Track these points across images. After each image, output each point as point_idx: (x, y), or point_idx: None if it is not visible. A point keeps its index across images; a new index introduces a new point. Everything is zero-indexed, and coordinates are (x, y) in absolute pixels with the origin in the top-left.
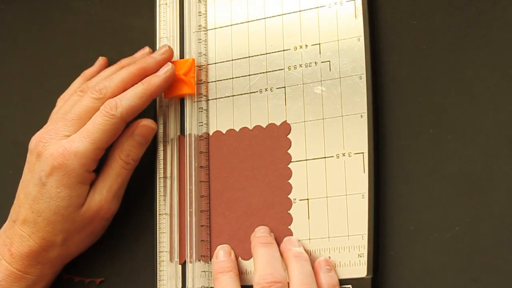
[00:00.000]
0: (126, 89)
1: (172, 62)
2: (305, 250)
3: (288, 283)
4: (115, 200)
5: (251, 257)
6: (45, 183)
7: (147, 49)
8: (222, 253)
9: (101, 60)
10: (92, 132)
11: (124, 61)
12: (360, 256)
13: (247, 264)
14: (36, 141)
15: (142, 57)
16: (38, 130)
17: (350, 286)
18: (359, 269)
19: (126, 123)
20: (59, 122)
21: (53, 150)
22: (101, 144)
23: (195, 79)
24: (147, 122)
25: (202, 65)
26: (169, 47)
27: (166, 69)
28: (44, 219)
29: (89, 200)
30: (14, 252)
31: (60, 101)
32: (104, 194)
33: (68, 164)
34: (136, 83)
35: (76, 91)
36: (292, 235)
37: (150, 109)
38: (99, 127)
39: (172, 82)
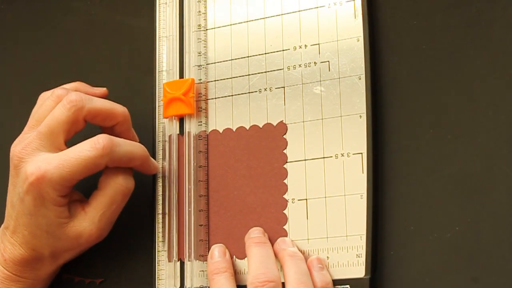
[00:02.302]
0: (99, 118)
1: (171, 82)
2: (304, 250)
3: (284, 282)
4: (107, 227)
5: (245, 257)
6: (24, 201)
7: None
8: (217, 253)
9: (102, 89)
10: (74, 164)
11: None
12: (359, 257)
13: (242, 264)
14: (13, 153)
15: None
16: None
17: (348, 286)
18: (357, 269)
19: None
20: (33, 133)
21: (29, 169)
22: (77, 176)
23: (194, 99)
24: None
25: (201, 94)
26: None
27: (157, 168)
28: (30, 233)
29: (78, 227)
30: (7, 258)
31: (40, 100)
32: (96, 223)
33: (42, 188)
34: (107, 123)
35: (52, 95)
36: (286, 235)
37: (149, 108)
38: (82, 162)
39: (171, 102)
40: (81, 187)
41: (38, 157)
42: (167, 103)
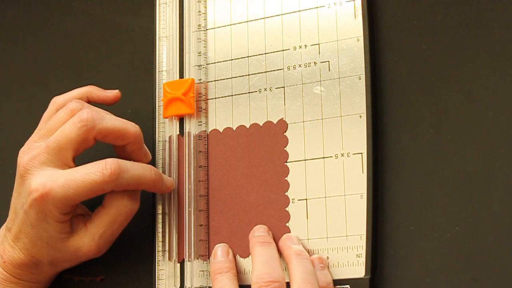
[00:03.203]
0: (110, 138)
1: (171, 82)
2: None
3: (288, 282)
4: (106, 244)
5: (248, 255)
6: (28, 213)
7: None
8: (220, 252)
9: (114, 92)
10: (79, 185)
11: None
12: (358, 257)
13: (244, 263)
14: (20, 161)
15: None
16: None
17: (348, 286)
18: (357, 269)
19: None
20: (42, 144)
21: (33, 185)
22: (81, 198)
23: (195, 99)
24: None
25: (201, 94)
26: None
27: (171, 185)
28: (30, 241)
29: (78, 242)
30: (6, 260)
31: (52, 106)
32: (96, 241)
33: (45, 205)
34: (118, 142)
35: (66, 107)
36: (289, 232)
37: (149, 108)
38: (88, 186)
39: (171, 102)
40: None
41: (44, 172)
42: (167, 103)
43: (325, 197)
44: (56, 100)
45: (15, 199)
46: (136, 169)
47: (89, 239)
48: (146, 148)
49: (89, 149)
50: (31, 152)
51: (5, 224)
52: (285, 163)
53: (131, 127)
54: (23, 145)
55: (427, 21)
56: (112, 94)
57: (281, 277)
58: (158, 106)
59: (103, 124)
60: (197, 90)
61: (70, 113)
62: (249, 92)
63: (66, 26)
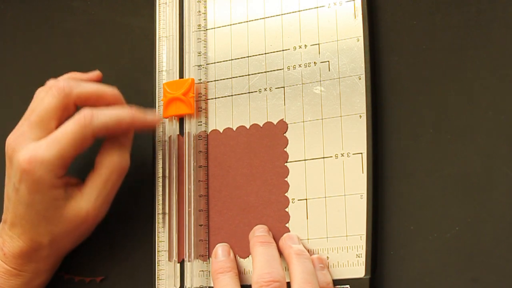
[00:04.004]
0: (90, 101)
1: (171, 82)
2: None
3: (289, 282)
4: (104, 206)
5: (248, 255)
6: (18, 189)
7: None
8: (221, 252)
9: (96, 73)
10: (61, 141)
11: (95, 74)
12: (358, 257)
13: (244, 263)
14: (7, 144)
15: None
16: None
17: (348, 286)
18: (357, 269)
19: (95, 139)
20: (24, 123)
21: (20, 156)
22: (68, 154)
23: (195, 99)
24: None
25: (201, 94)
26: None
27: (155, 115)
28: (27, 222)
29: (75, 207)
30: (6, 252)
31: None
32: (92, 203)
33: (35, 172)
34: (99, 105)
35: (44, 86)
36: (289, 233)
37: (149, 107)
38: (68, 136)
39: (171, 102)
40: (79, 173)
41: (29, 145)
42: (167, 103)
43: (325, 197)
44: (39, 91)
45: (6, 186)
46: (111, 110)
47: (86, 203)
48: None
49: (86, 151)
50: (16, 133)
51: (1, 220)
52: (285, 164)
53: (107, 88)
54: None
55: (427, 21)
56: (94, 74)
57: (282, 277)
58: (158, 106)
59: (79, 88)
60: (197, 90)
61: (47, 89)
62: (249, 92)
63: (66, 26)
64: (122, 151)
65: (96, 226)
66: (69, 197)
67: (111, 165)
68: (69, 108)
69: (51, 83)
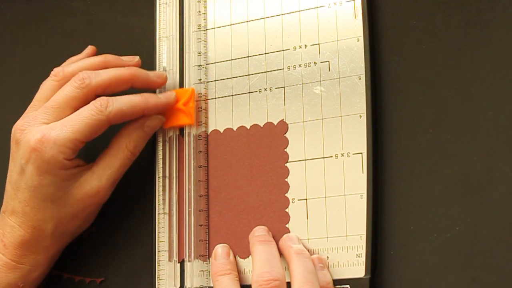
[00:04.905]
0: (110, 88)
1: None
2: None
3: (289, 282)
4: (111, 188)
5: (248, 256)
6: (25, 171)
7: (137, 58)
8: (220, 253)
9: (89, 49)
10: (75, 123)
11: (110, 58)
12: (358, 256)
13: (244, 263)
14: (15, 128)
15: (131, 63)
16: None
17: (348, 286)
18: (357, 269)
19: (109, 125)
20: (38, 109)
21: (31, 136)
22: (81, 137)
23: (195, 109)
24: (159, 115)
25: (201, 94)
26: (166, 75)
27: (169, 96)
28: (32, 208)
29: (86, 185)
30: (6, 243)
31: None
32: (103, 182)
33: (46, 151)
34: (122, 88)
35: (50, 75)
36: (289, 233)
37: None
38: (84, 120)
39: (172, 112)
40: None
41: (41, 126)
42: (167, 113)
43: (325, 197)
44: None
45: (10, 171)
46: (125, 96)
47: (97, 181)
48: (156, 72)
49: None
50: (27, 117)
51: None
52: (285, 164)
53: (124, 70)
54: None
55: (427, 21)
56: (133, 61)
57: (281, 275)
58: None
59: (98, 78)
60: (197, 90)
61: (55, 78)
62: (249, 92)
63: (66, 26)
64: (141, 138)
65: (98, 211)
66: (78, 178)
67: (127, 150)
68: (89, 99)
69: (56, 70)
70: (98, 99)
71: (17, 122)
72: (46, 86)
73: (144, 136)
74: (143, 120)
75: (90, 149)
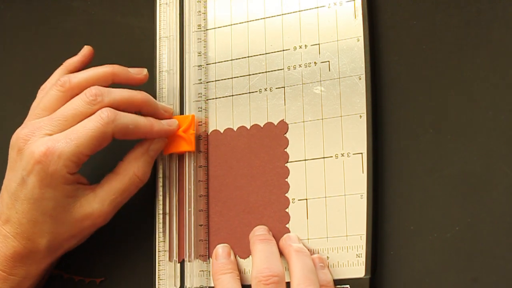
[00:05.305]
0: (119, 109)
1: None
2: None
3: (289, 282)
4: (113, 212)
5: (248, 256)
6: (27, 183)
7: (145, 71)
8: (221, 253)
9: (85, 50)
10: (80, 136)
11: (118, 69)
12: (358, 256)
13: (244, 263)
14: (17, 136)
15: (139, 77)
16: None
17: (348, 286)
18: (357, 269)
19: (111, 140)
20: (43, 119)
21: (35, 148)
22: (86, 150)
23: (195, 136)
24: (163, 139)
25: (201, 122)
26: (172, 111)
27: (172, 123)
28: (29, 220)
29: (87, 206)
30: None
31: (41, 93)
32: (105, 206)
33: (50, 165)
34: (130, 111)
35: (56, 84)
36: (289, 233)
37: None
38: (89, 133)
39: (172, 138)
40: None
41: (45, 138)
42: (168, 139)
43: (325, 197)
44: (44, 88)
45: (8, 179)
46: (132, 115)
47: (99, 205)
48: (164, 105)
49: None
50: (30, 126)
51: None
52: (285, 164)
53: (137, 94)
54: None
55: (427, 21)
56: (140, 75)
57: (281, 272)
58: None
59: (111, 96)
60: (197, 90)
61: (61, 88)
62: (249, 92)
63: (66, 26)
64: (148, 163)
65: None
66: (79, 196)
67: (135, 176)
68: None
69: (63, 80)
70: (105, 109)
71: (19, 130)
72: (51, 95)
73: (151, 161)
74: (148, 144)
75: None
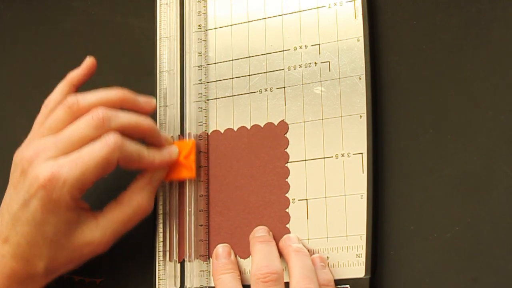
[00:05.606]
0: (124, 134)
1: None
2: None
3: (289, 282)
4: (114, 240)
5: (248, 256)
6: (29, 206)
7: (154, 102)
8: (221, 253)
9: (88, 62)
10: (86, 161)
11: (127, 96)
12: (358, 257)
13: (245, 263)
14: (22, 156)
15: (148, 108)
16: None
17: (348, 286)
18: (357, 269)
19: (115, 167)
20: (48, 139)
21: (39, 172)
22: (92, 177)
23: (195, 163)
24: (164, 169)
25: (201, 152)
26: (176, 152)
27: (173, 153)
28: (28, 243)
29: (88, 234)
30: None
31: (45, 109)
32: (107, 236)
33: (55, 191)
34: (134, 137)
35: (64, 105)
36: (289, 233)
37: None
38: (95, 159)
39: (173, 165)
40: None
41: (50, 162)
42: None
43: (325, 197)
44: (48, 103)
45: (10, 199)
46: (137, 145)
47: (100, 234)
48: (166, 135)
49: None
50: (36, 147)
51: None
52: (286, 165)
53: (143, 121)
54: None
55: (427, 21)
56: (150, 105)
57: (279, 269)
58: (159, 106)
59: (118, 121)
60: (198, 90)
61: (68, 110)
62: (249, 93)
63: (66, 26)
64: (152, 193)
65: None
66: (81, 223)
67: (139, 207)
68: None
69: (71, 101)
70: (111, 135)
71: (24, 150)
72: (58, 116)
73: (154, 191)
74: (151, 173)
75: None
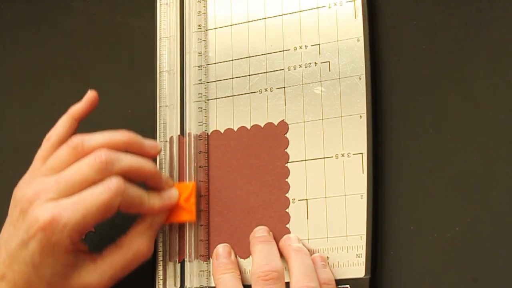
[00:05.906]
0: (127, 177)
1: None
2: None
3: (289, 282)
4: (113, 284)
5: (248, 256)
6: (27, 246)
7: (159, 148)
8: (222, 253)
9: (90, 95)
10: (87, 205)
11: (133, 140)
12: (358, 257)
13: (245, 263)
14: (22, 194)
15: (153, 152)
16: (38, 130)
17: (348, 286)
18: (357, 269)
19: (116, 211)
20: (49, 179)
21: (39, 213)
22: (92, 221)
23: (195, 206)
24: (165, 213)
25: (202, 195)
26: (173, 183)
27: (173, 197)
28: (25, 282)
29: (86, 277)
30: None
31: (46, 143)
32: (105, 280)
33: (54, 234)
34: (136, 181)
35: (68, 145)
36: (290, 233)
37: (150, 108)
38: (96, 204)
39: (173, 208)
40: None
41: (50, 204)
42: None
43: (326, 197)
44: (49, 138)
45: (8, 235)
46: (139, 190)
47: (98, 277)
48: (166, 177)
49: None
50: (36, 186)
51: None
52: (286, 165)
53: (146, 165)
54: (23, 145)
55: (427, 21)
56: (155, 149)
57: (280, 268)
58: (159, 107)
59: (121, 164)
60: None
61: (72, 152)
62: (249, 93)
63: (66, 26)
64: (152, 238)
65: None
66: (79, 265)
67: (139, 251)
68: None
69: (76, 142)
70: (114, 179)
71: (24, 188)
72: (61, 156)
73: (154, 235)
74: (151, 218)
75: None
